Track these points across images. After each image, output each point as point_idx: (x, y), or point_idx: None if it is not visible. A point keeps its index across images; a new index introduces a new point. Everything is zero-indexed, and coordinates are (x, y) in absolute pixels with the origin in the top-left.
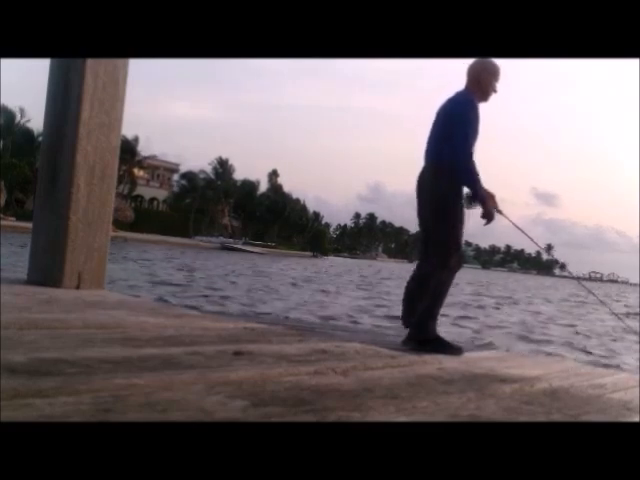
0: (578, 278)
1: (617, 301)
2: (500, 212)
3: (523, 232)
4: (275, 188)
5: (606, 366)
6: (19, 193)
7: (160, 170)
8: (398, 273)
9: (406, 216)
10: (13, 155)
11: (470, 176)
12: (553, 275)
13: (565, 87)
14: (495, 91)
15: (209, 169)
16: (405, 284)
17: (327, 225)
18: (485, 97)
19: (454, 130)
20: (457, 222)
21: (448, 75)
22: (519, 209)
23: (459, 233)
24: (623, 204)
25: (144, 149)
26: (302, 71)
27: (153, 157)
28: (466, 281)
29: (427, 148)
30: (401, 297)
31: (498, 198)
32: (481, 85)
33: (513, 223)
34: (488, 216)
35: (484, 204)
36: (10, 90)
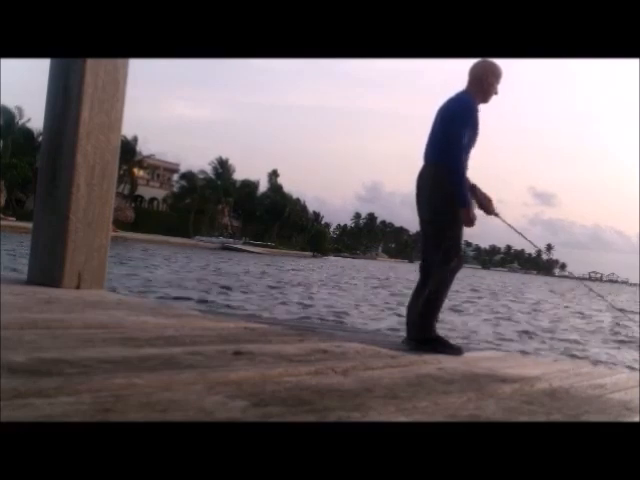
0: (579, 278)
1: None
2: (497, 215)
3: (522, 235)
4: (275, 188)
5: None
6: (19, 193)
7: (160, 170)
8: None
9: (404, 216)
10: (13, 155)
11: (455, 177)
12: (553, 275)
13: (564, 87)
14: (496, 93)
15: (209, 169)
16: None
17: (327, 225)
18: (486, 98)
19: (449, 129)
20: (456, 223)
21: (448, 75)
22: (517, 209)
23: (459, 234)
24: (622, 204)
25: (143, 149)
26: (302, 71)
27: (152, 156)
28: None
29: (426, 148)
30: None
31: (496, 198)
32: (483, 86)
33: (512, 227)
34: (467, 223)
35: (465, 209)
36: (10, 90)
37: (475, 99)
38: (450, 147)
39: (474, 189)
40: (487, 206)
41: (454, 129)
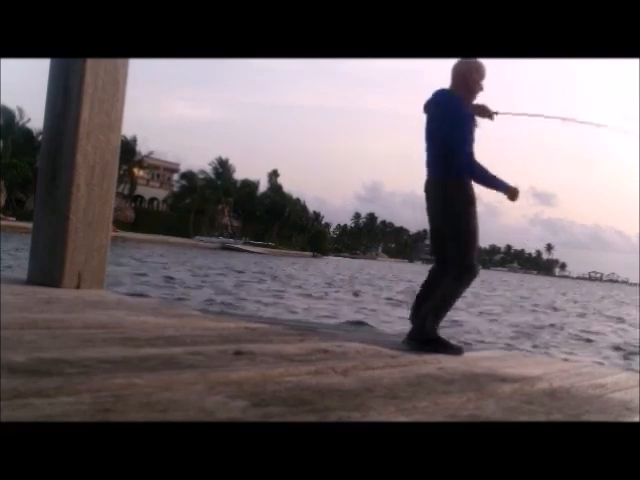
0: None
1: None
2: (498, 113)
3: (532, 114)
4: (275, 188)
5: None
6: (19, 193)
7: (160, 170)
8: None
9: (405, 216)
10: (13, 155)
11: (478, 175)
12: (553, 275)
13: (564, 86)
14: (482, 89)
15: (209, 169)
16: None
17: (327, 225)
18: (472, 96)
19: (450, 140)
20: (475, 235)
21: (448, 75)
22: (517, 209)
23: (476, 243)
24: (622, 204)
25: (142, 149)
26: (302, 71)
27: (151, 153)
28: None
29: (429, 160)
30: None
31: (496, 197)
32: (468, 85)
33: (515, 113)
34: (512, 196)
35: (506, 189)
36: (10, 90)
37: (464, 99)
38: (454, 158)
39: (472, 107)
40: (486, 112)
41: (455, 137)
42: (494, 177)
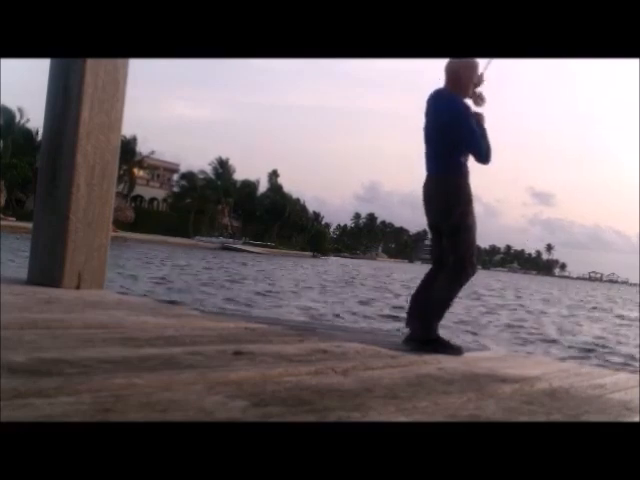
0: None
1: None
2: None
3: None
4: (275, 188)
5: None
6: (19, 193)
7: (160, 170)
8: None
9: (404, 216)
10: (13, 155)
11: (487, 152)
12: (553, 275)
13: (564, 86)
14: (478, 84)
15: (209, 169)
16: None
17: (327, 225)
18: (467, 93)
19: (465, 136)
20: (472, 233)
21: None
22: (517, 209)
23: (474, 241)
24: (621, 204)
25: (142, 149)
26: (302, 71)
27: (151, 153)
28: None
29: (431, 161)
30: None
31: (494, 197)
32: (461, 82)
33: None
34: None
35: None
36: (10, 90)
37: (460, 97)
38: (476, 147)
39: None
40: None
41: (468, 132)
42: (482, 136)
